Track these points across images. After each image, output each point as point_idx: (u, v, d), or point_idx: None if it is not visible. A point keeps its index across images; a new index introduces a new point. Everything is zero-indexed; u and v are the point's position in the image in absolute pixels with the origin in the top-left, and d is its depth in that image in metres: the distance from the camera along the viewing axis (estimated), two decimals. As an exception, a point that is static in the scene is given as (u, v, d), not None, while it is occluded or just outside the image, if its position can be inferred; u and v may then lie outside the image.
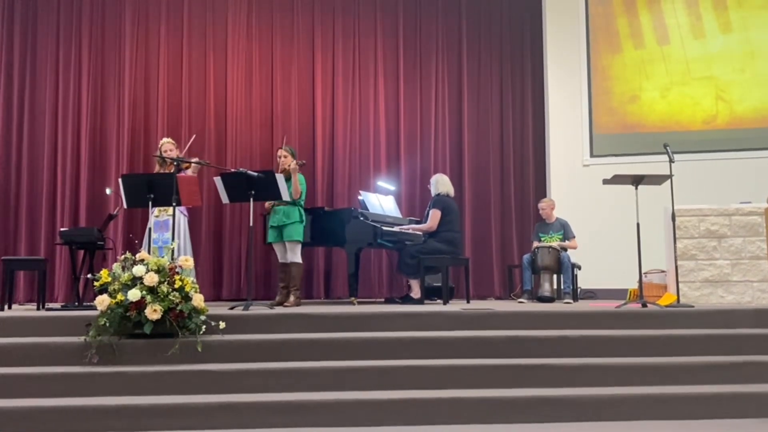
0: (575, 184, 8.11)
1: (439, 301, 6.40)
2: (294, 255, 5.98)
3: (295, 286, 6.00)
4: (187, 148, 6.23)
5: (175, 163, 5.64)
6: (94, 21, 7.75)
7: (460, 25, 8.46)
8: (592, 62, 8.40)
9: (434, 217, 6.37)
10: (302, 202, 6.08)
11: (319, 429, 3.71)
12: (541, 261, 6.63)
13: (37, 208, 7.44)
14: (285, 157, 6.07)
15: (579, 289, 7.05)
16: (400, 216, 7.06)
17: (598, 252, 7.59)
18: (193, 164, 5.95)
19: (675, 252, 5.68)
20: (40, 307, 5.71)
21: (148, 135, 7.66)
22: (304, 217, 6.07)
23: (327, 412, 3.76)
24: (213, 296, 7.36)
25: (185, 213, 6.10)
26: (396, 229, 6.47)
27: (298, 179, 5.96)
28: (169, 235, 5.88)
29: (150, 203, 5.24)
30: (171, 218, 5.88)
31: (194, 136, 6.57)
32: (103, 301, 4.17)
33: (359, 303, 6.12)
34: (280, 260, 6.18)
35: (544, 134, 8.48)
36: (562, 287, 6.75)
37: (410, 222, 6.96)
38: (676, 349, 4.46)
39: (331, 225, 6.30)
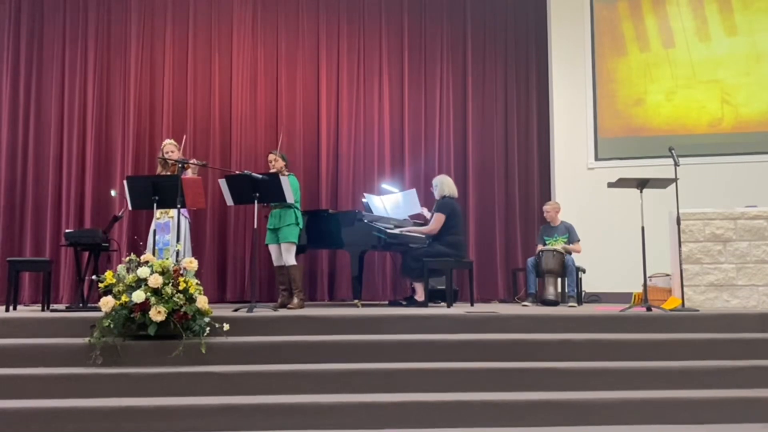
0: (580, 188, 8.09)
1: (443, 304, 6.39)
2: (289, 257, 6.01)
3: (297, 288, 6.02)
4: (181, 148, 6.25)
5: (178, 165, 5.66)
6: (100, 23, 7.77)
7: (464, 28, 8.45)
8: (597, 65, 8.39)
9: (438, 220, 6.35)
10: (298, 205, 6.11)
11: (323, 431, 3.71)
12: (545, 264, 6.61)
13: (42, 209, 7.46)
14: (275, 160, 6.20)
15: (583, 293, 7.03)
16: (404, 218, 7.04)
17: (603, 255, 7.57)
18: (191, 165, 5.97)
19: (680, 256, 5.66)
20: (45, 308, 5.72)
21: (153, 137, 7.67)
22: (300, 220, 6.10)
23: (331, 415, 3.76)
24: (217, 298, 7.36)
25: (187, 215, 6.12)
26: (398, 231, 6.45)
27: (289, 182, 5.99)
28: (170, 237, 5.90)
29: (155, 205, 5.26)
30: (171, 220, 5.90)
31: (185, 137, 6.63)
32: (107, 303, 4.18)
33: (363, 305, 6.12)
34: (275, 263, 6.26)
35: (549, 137, 8.46)
36: (566, 291, 6.73)
37: (414, 224, 6.95)
38: (680, 353, 4.44)
39: (334, 227, 6.30)
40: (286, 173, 6.14)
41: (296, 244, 6.07)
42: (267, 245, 6.29)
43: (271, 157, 6.27)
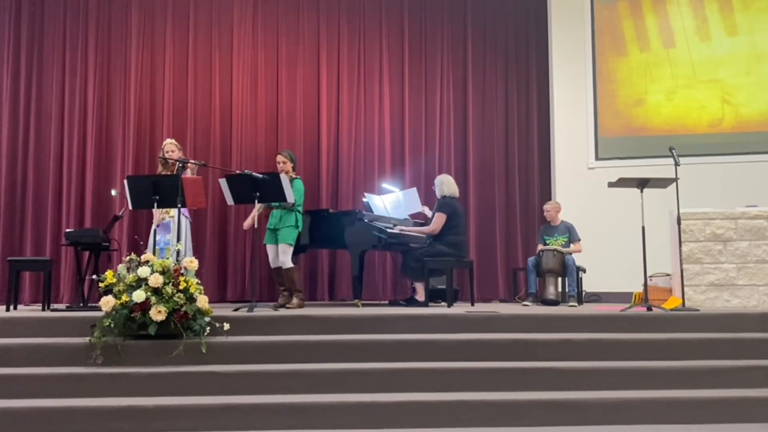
0: (580, 187, 8.09)
1: (443, 303, 6.39)
2: (285, 258, 5.99)
3: (295, 288, 6.03)
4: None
5: (178, 164, 5.67)
6: (100, 23, 7.77)
7: (465, 28, 8.44)
8: (598, 65, 8.39)
9: (439, 220, 6.34)
10: (300, 208, 6.11)
11: (323, 431, 3.71)
12: (545, 264, 6.61)
13: (42, 208, 7.46)
14: (284, 162, 6.18)
15: (584, 293, 7.02)
16: (404, 217, 7.04)
17: (603, 255, 7.57)
18: (191, 165, 5.97)
19: (680, 255, 5.66)
20: (46, 307, 5.72)
21: (153, 137, 7.67)
22: (300, 223, 6.10)
23: (330, 414, 3.76)
24: (217, 298, 7.36)
25: (187, 215, 6.12)
26: (398, 230, 6.45)
27: (294, 186, 5.98)
28: (170, 236, 5.90)
29: (155, 204, 5.26)
30: (172, 220, 5.90)
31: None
32: (108, 302, 4.19)
33: (363, 305, 6.12)
34: (272, 265, 6.25)
35: (549, 137, 8.46)
36: (566, 290, 6.73)
37: (414, 224, 6.95)
38: (681, 353, 4.45)
39: (335, 227, 6.30)
40: (293, 176, 6.14)
41: (293, 246, 6.06)
42: (265, 245, 6.29)
43: (280, 158, 6.24)
